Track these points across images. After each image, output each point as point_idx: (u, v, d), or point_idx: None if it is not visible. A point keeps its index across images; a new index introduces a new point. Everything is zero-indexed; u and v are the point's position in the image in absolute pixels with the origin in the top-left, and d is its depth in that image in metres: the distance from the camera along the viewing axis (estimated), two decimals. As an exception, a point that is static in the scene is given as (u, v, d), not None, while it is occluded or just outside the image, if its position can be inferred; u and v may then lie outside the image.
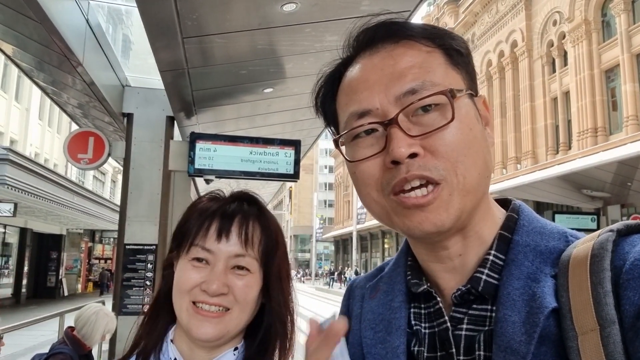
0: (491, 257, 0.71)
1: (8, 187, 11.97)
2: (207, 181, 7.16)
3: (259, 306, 0.98)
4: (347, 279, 38.30)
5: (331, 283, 41.96)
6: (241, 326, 0.95)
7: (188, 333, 0.92)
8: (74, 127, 8.23)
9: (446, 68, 0.72)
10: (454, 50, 0.73)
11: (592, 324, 0.58)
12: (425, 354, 0.73)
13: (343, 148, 0.75)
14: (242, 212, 0.97)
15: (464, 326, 0.70)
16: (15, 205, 14.45)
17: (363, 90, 0.72)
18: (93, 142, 6.05)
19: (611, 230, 0.65)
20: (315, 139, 9.21)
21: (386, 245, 42.04)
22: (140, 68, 6.27)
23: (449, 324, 0.71)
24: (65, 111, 7.30)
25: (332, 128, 0.82)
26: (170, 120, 6.19)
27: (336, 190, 62.22)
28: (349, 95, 0.74)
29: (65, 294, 25.00)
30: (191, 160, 5.75)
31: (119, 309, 5.67)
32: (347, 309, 0.92)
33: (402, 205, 0.68)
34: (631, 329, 0.56)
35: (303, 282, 55.32)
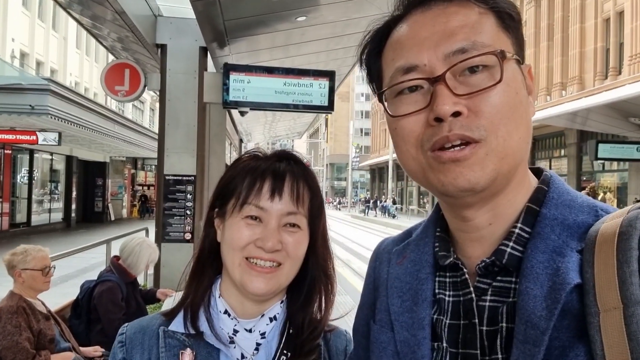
0: (517, 230, 0.70)
1: (52, 117, 12.33)
2: (242, 113, 7.18)
3: (302, 261, 1.02)
4: (385, 207, 38.67)
5: (367, 211, 42.53)
6: (290, 280, 0.99)
7: (242, 288, 0.95)
8: (112, 56, 8.27)
9: (498, 31, 0.71)
10: (506, 14, 0.72)
11: (615, 302, 0.57)
12: (447, 322, 0.74)
13: (386, 103, 0.75)
14: (292, 171, 0.99)
15: (488, 297, 0.70)
16: (60, 134, 14.91)
17: (412, 46, 0.71)
18: (129, 74, 6.10)
19: None
20: (351, 68, 9.00)
21: (422, 174, 41.75)
22: (172, -4, 6.15)
23: (473, 295, 0.71)
24: (103, 44, 7.32)
25: (375, 85, 0.81)
26: (204, 51, 6.14)
27: (372, 119, 61.54)
28: (397, 50, 0.74)
29: (112, 218, 26.25)
30: (226, 92, 5.75)
31: (162, 236, 5.94)
32: (373, 271, 0.93)
33: (438, 160, 0.68)
34: None
35: (339, 209, 56.27)
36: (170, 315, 1.02)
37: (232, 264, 0.96)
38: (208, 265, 1.04)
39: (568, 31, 23.09)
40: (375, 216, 38.81)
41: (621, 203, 18.14)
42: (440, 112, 0.66)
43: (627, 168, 18.88)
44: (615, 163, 19.34)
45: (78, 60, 27.29)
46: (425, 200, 40.32)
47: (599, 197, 16.41)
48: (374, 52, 0.79)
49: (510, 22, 0.72)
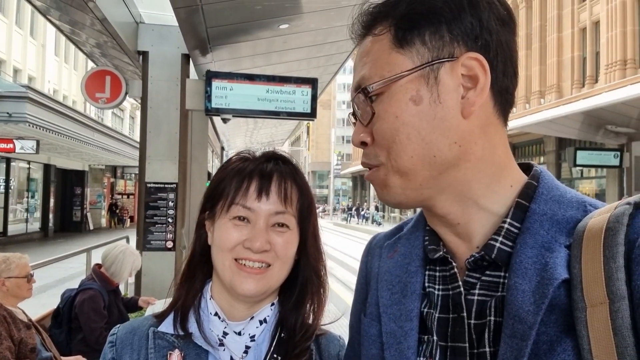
0: (506, 225, 0.71)
1: (29, 125, 12.13)
2: (225, 120, 7.15)
3: (293, 263, 1.01)
4: (369, 215, 38.72)
5: (349, 218, 42.57)
6: (280, 281, 0.99)
7: (232, 289, 0.95)
8: (91, 63, 8.18)
9: (389, 53, 0.72)
10: (408, 21, 0.71)
11: (601, 297, 0.58)
12: (436, 315, 0.74)
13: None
14: (279, 171, 1.00)
15: (477, 291, 0.71)
16: (38, 142, 14.67)
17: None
18: (110, 81, 6.04)
19: (628, 203, 0.63)
20: (332, 76, 9.04)
21: (404, 181, 41.98)
22: (154, 3, 6.12)
23: (462, 289, 0.72)
24: (82, 50, 7.23)
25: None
26: (186, 58, 6.11)
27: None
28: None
29: (91, 227, 25.85)
30: (208, 99, 5.72)
31: (143, 245, 5.86)
32: (365, 266, 0.94)
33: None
34: None
35: (322, 217, 56.24)
36: (161, 317, 1.01)
37: (222, 265, 0.96)
38: (199, 268, 1.04)
39: (546, 40, 23.55)
40: (358, 224, 38.86)
41: (598, 209, 18.44)
42: (353, 143, 0.77)
43: (604, 175, 19.24)
44: (593, 170, 19.70)
45: (57, 68, 26.94)
46: (406, 208, 40.42)
47: (577, 203, 16.65)
48: None
49: (412, 29, 0.70)
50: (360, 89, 0.73)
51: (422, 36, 0.70)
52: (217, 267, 0.97)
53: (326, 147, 74.18)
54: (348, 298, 9.58)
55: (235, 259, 0.94)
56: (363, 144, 0.74)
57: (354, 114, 0.77)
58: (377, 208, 39.30)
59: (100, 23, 5.15)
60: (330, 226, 37.57)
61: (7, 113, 11.53)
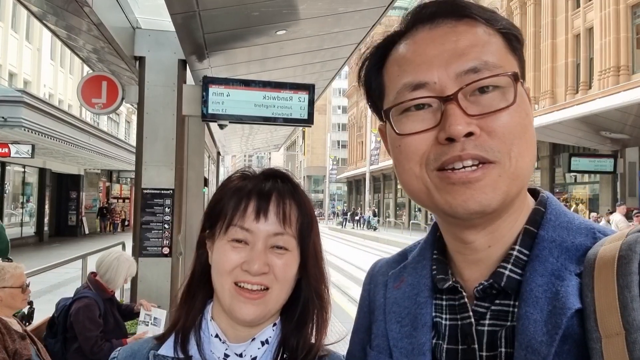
0: (515, 252, 0.70)
1: (25, 129, 12.07)
2: (221, 126, 7.14)
3: (295, 282, 0.99)
4: (365, 219, 38.68)
5: (344, 223, 42.56)
6: (280, 303, 0.97)
7: (230, 314, 0.93)
8: (87, 68, 8.16)
9: (506, 52, 0.71)
10: (513, 36, 0.72)
11: (617, 328, 0.57)
12: (445, 346, 0.73)
13: (392, 120, 0.74)
14: (278, 190, 0.97)
15: (487, 321, 0.69)
16: (33, 146, 14.60)
17: (420, 63, 0.70)
18: (106, 86, 6.02)
19: (639, 231, 0.62)
20: (329, 82, 9.06)
21: (399, 187, 42.09)
22: (151, 9, 6.12)
23: (472, 320, 0.70)
24: (79, 55, 7.21)
25: (375, 101, 0.79)
26: (183, 64, 6.10)
27: (349, 131, 61.84)
28: (403, 66, 0.72)
29: (86, 232, 25.71)
30: (204, 105, 5.72)
31: (139, 251, 5.83)
32: (368, 294, 0.92)
33: (446, 180, 0.67)
34: None
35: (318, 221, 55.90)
36: (161, 339, 1.00)
37: (221, 289, 0.94)
38: (200, 288, 1.02)
39: (540, 46, 23.69)
40: (353, 228, 38.84)
41: (593, 214, 18.55)
42: (454, 132, 0.65)
43: (598, 180, 19.33)
44: (586, 175, 19.80)
45: (52, 72, 26.85)
46: (401, 212, 40.56)
47: (572, 209, 16.74)
48: (375, 68, 0.78)
49: (516, 44, 0.73)
50: (510, 74, 0.67)
51: (520, 53, 0.73)
52: (217, 290, 0.96)
53: (322, 151, 74.20)
54: (343, 303, 9.56)
55: (235, 283, 0.93)
56: (468, 135, 0.65)
57: (447, 98, 0.67)
58: (374, 213, 39.29)
59: (97, 28, 5.14)
60: (326, 231, 37.55)
61: (3, 117, 11.48)
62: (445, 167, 0.67)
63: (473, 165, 0.66)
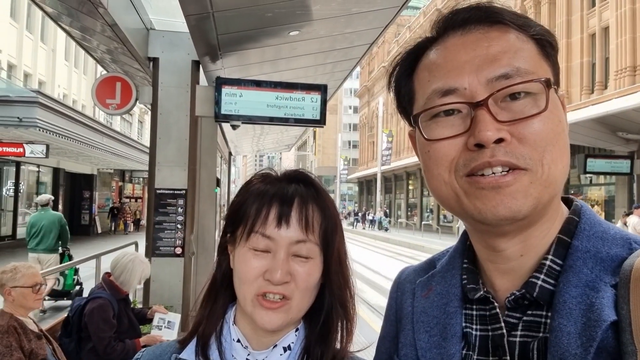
0: (548, 262, 0.68)
1: (39, 129, 12.19)
2: (234, 127, 7.15)
3: (319, 288, 0.97)
4: (376, 220, 38.61)
5: (355, 223, 42.50)
6: (303, 312, 0.95)
7: (253, 322, 0.92)
8: (100, 68, 8.22)
9: (539, 58, 0.70)
10: (547, 42, 0.72)
11: None
12: (475, 357, 0.71)
13: (421, 125, 0.73)
14: (300, 194, 0.94)
15: (519, 332, 0.68)
16: (47, 146, 14.75)
17: (451, 69, 0.69)
18: (120, 87, 6.05)
19: None
20: (341, 83, 9.03)
21: (410, 187, 42.00)
22: (165, 10, 6.14)
23: (504, 330, 0.69)
24: (93, 56, 7.27)
25: (405, 107, 0.79)
26: (196, 65, 6.12)
27: (360, 131, 61.76)
28: (433, 72, 0.72)
29: (99, 231, 25.93)
30: (217, 106, 5.73)
31: (152, 251, 5.86)
32: (395, 302, 0.90)
33: (475, 185, 0.66)
34: None
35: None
36: (183, 343, 0.99)
37: (244, 297, 0.93)
38: (222, 292, 1.00)
39: (554, 46, 23.44)
40: (364, 229, 38.78)
41: (609, 216, 18.33)
42: (483, 138, 0.64)
43: (614, 182, 19.10)
44: (602, 176, 19.56)
45: (67, 72, 27.13)
46: (413, 213, 40.40)
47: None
48: (406, 74, 0.78)
49: (550, 50, 0.72)
50: (542, 80, 0.66)
51: (554, 60, 0.73)
52: (239, 297, 0.95)
53: (332, 152, 74.20)
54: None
55: (257, 294, 0.91)
56: (498, 141, 0.64)
57: (477, 104, 0.66)
58: (385, 214, 39.19)
59: (111, 29, 5.17)
60: (337, 231, 37.39)
61: (18, 118, 11.60)
62: (474, 173, 0.66)
63: (503, 171, 0.64)
